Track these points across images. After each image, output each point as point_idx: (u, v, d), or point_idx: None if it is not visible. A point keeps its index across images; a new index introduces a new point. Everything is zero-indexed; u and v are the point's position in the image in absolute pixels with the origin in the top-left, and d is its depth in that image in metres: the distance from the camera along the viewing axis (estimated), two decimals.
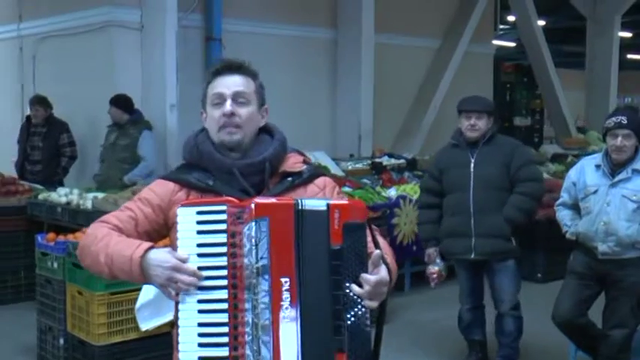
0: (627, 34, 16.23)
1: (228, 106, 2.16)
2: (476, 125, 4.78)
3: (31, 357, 5.25)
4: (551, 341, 5.20)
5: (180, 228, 1.97)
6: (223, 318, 1.91)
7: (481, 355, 5.08)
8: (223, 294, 1.92)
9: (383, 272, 1.99)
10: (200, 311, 1.92)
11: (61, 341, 4.90)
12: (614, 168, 4.30)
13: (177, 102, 7.62)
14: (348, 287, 1.94)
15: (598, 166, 4.37)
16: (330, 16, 9.84)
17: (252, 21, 8.84)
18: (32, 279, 6.63)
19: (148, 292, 4.67)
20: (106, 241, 2.11)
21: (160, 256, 1.99)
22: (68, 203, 6.24)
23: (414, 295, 6.92)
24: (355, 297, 1.94)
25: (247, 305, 1.89)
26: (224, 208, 1.95)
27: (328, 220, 1.94)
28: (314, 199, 2.02)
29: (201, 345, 1.91)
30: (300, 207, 1.94)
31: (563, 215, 4.55)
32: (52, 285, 4.98)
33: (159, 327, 4.74)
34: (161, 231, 2.23)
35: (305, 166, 2.26)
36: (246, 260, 1.90)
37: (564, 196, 4.57)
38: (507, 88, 16.04)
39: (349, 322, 1.93)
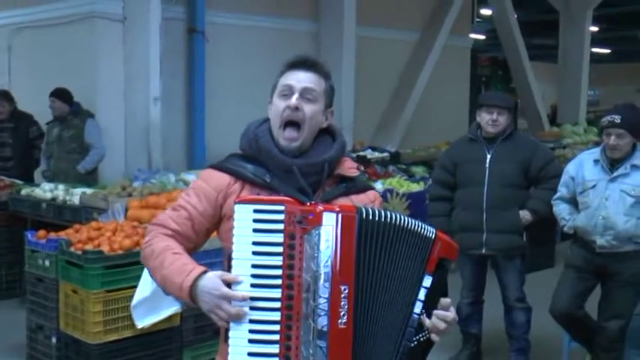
0: (594, 29, 16.47)
1: (294, 99, 2.15)
2: (497, 120, 4.77)
3: (20, 356, 5.14)
4: (543, 332, 5.25)
5: (236, 225, 1.94)
6: (275, 316, 1.91)
7: (475, 350, 5.11)
8: (277, 293, 1.92)
9: (454, 313, 2.06)
10: (252, 308, 1.92)
11: (54, 340, 4.80)
12: (613, 163, 4.34)
13: (160, 95, 7.53)
14: (421, 314, 2.02)
15: (596, 161, 4.40)
16: (312, 8, 9.83)
17: (235, 13, 8.79)
18: (15, 276, 6.56)
19: (143, 290, 4.61)
20: (161, 259, 2.10)
21: (209, 283, 1.96)
22: (54, 199, 6.12)
23: None
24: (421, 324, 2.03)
25: (305, 309, 1.90)
26: (282, 208, 1.93)
27: (431, 247, 2.02)
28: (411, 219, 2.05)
29: (251, 341, 1.92)
30: (363, 216, 1.96)
31: (562, 209, 4.58)
32: (44, 283, 4.87)
33: (155, 324, 4.70)
34: (218, 224, 2.22)
35: (358, 173, 2.28)
36: (306, 265, 1.91)
37: (562, 191, 4.59)
38: (483, 82, 16.19)
39: (412, 345, 2.01)
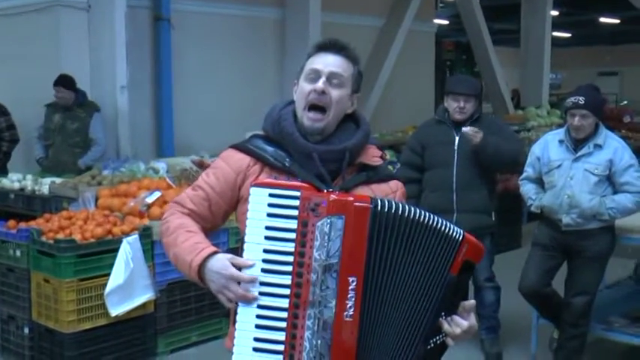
0: (554, 13, 16.67)
1: (320, 83, 2.10)
2: (464, 108, 4.82)
3: None
4: (512, 311, 5.37)
5: (250, 208, 1.93)
6: (283, 303, 1.89)
7: None
8: (286, 279, 1.89)
9: (473, 320, 2.03)
10: (261, 293, 1.91)
11: (26, 330, 4.81)
12: (577, 143, 4.44)
13: (127, 83, 7.48)
14: (441, 316, 1.98)
15: (561, 142, 4.50)
16: None
17: (201, 0, 8.74)
18: None
19: (117, 277, 4.63)
20: (175, 236, 2.11)
21: (219, 263, 1.96)
22: (22, 189, 6.07)
23: None
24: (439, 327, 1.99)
25: (311, 298, 1.88)
26: (297, 194, 1.91)
27: (457, 249, 1.97)
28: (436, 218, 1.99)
29: (258, 326, 1.90)
30: (378, 208, 1.91)
31: (528, 189, 4.68)
32: (15, 273, 4.86)
33: (129, 312, 4.73)
34: (236, 205, 2.20)
35: (382, 162, 2.23)
36: (316, 254, 1.88)
37: (528, 171, 4.69)
38: (447, 66, 16.33)
39: (428, 347, 1.98)
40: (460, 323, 1.99)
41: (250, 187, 1.96)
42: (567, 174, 4.43)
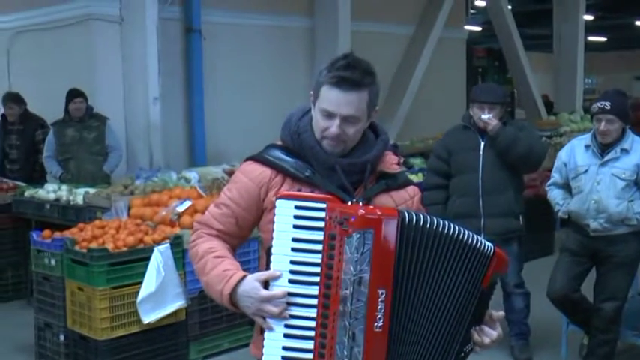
0: (589, 17, 16.52)
1: (335, 127, 2.09)
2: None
3: (29, 354, 5.24)
4: (542, 317, 5.34)
5: (277, 220, 1.96)
6: (311, 313, 1.93)
7: None
8: (314, 290, 1.93)
9: (500, 329, 2.11)
10: (289, 304, 1.95)
11: (62, 337, 4.91)
12: (603, 148, 4.43)
13: (159, 94, 7.61)
14: (472, 327, 2.05)
15: (587, 147, 4.50)
16: (306, 4, 9.89)
17: (231, 11, 8.86)
18: (20, 277, 6.67)
19: (149, 285, 4.72)
20: (204, 262, 2.14)
21: (248, 287, 2.00)
22: (57, 200, 6.20)
23: None
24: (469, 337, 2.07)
25: (341, 309, 1.90)
26: (323, 206, 1.93)
27: (488, 264, 2.03)
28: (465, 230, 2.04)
29: (286, 335, 1.94)
30: (406, 221, 1.94)
31: (555, 195, 4.68)
32: (50, 282, 4.98)
33: (161, 319, 4.81)
34: (261, 216, 2.22)
35: (399, 169, 2.27)
36: (346, 267, 1.90)
37: (555, 177, 4.69)
38: (479, 73, 16.26)
39: (461, 355, 2.06)
40: (489, 333, 2.06)
41: (276, 200, 1.99)
42: (594, 179, 4.42)
